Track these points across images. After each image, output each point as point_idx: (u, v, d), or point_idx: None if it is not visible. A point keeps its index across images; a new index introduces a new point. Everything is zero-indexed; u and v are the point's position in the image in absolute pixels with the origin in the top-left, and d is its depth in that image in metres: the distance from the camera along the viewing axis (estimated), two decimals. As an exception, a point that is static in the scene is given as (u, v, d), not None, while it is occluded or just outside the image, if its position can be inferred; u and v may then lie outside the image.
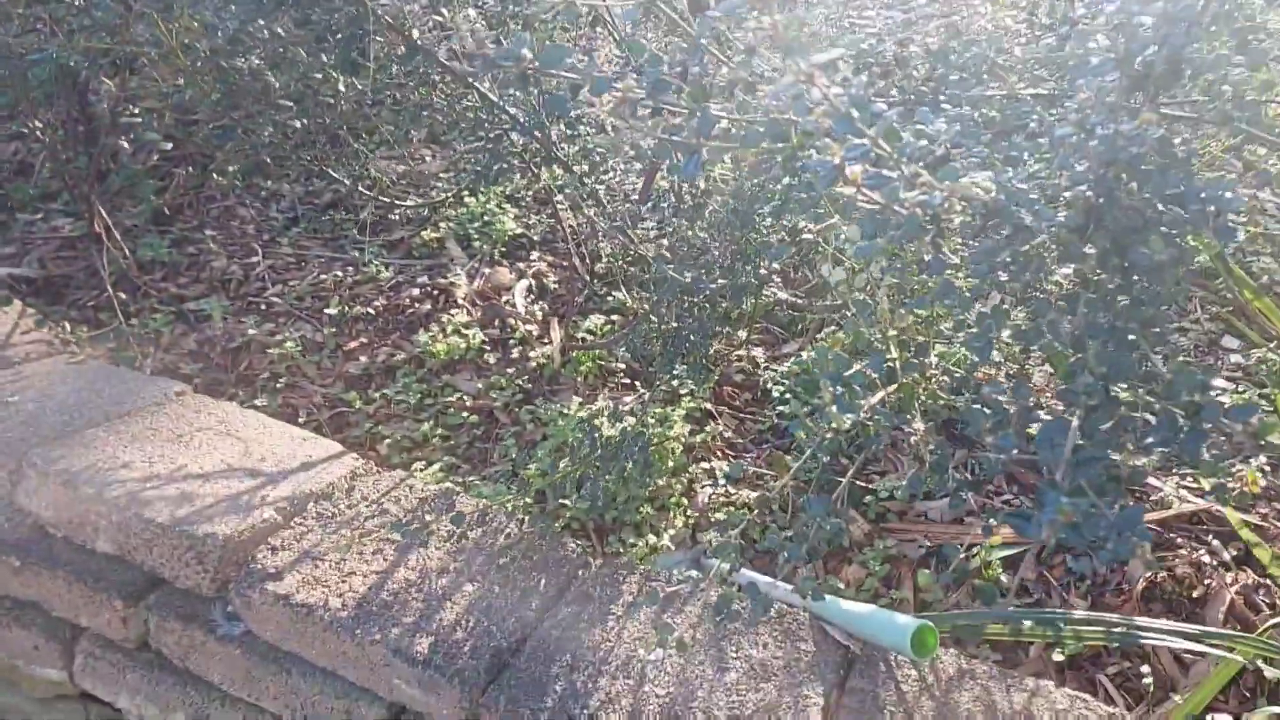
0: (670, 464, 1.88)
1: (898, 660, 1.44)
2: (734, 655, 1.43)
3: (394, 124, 2.30)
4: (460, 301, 2.48)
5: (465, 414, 2.11)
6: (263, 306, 2.51)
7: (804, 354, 2.21)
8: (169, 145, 2.69)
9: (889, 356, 1.25)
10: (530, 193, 2.91)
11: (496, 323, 2.40)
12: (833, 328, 2.24)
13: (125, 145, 2.68)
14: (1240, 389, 2.02)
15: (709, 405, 2.09)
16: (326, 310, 2.46)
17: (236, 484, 1.73)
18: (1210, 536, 1.76)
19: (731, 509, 1.82)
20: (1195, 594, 1.65)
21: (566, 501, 1.80)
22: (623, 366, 2.24)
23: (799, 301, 2.27)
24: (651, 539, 1.76)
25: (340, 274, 2.62)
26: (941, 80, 1.23)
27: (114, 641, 1.71)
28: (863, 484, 1.87)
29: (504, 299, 2.50)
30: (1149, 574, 1.63)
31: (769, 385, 2.15)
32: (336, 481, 1.78)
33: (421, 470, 1.92)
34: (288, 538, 1.64)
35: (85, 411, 1.93)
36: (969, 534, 1.77)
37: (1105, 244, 1.03)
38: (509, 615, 1.50)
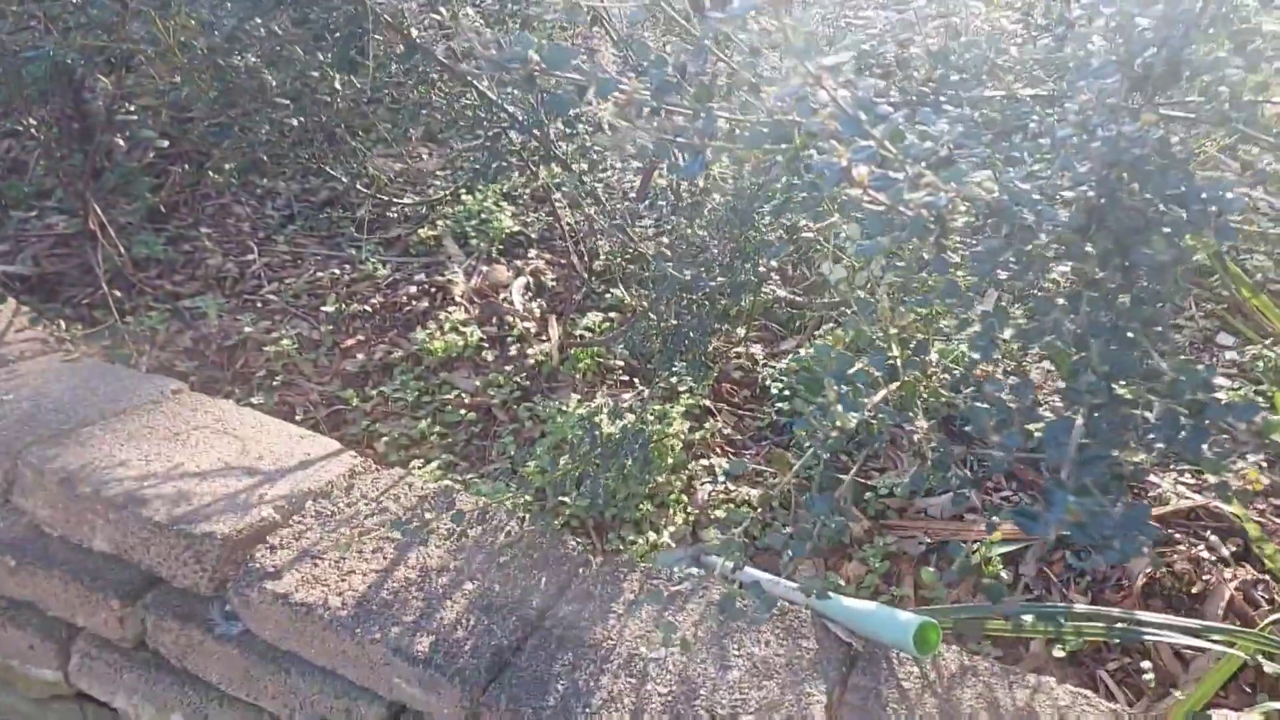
0: (670, 461, 1.88)
1: (900, 657, 1.44)
2: (736, 653, 1.43)
3: (392, 122, 2.30)
4: (458, 299, 2.48)
5: (463, 411, 2.11)
6: (259, 304, 2.50)
7: (802, 351, 2.21)
8: (165, 143, 2.68)
9: (890, 354, 1.26)
10: (528, 191, 2.90)
11: (494, 320, 2.40)
12: (831, 325, 2.24)
13: (120, 143, 2.67)
14: (1237, 386, 2.02)
15: (708, 402, 2.09)
16: (323, 308, 2.46)
17: (234, 482, 1.73)
18: (1209, 532, 1.77)
19: (731, 506, 1.82)
20: (1194, 590, 1.66)
21: (566, 499, 1.80)
22: (621, 364, 2.24)
23: (797, 299, 2.27)
24: (651, 536, 1.76)
25: (337, 271, 2.61)
26: (942, 81, 1.23)
27: (110, 641, 1.70)
28: (862, 480, 1.87)
29: (501, 296, 2.49)
30: (1149, 570, 1.64)
31: (768, 382, 2.16)
32: (335, 480, 1.78)
33: (420, 468, 1.92)
34: (286, 536, 1.64)
35: (81, 410, 1.92)
36: (969, 530, 1.77)
37: (1107, 244, 1.03)
38: (510, 613, 1.50)
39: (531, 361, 2.25)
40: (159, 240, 2.70)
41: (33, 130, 2.52)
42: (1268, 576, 1.68)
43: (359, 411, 2.14)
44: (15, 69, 2.14)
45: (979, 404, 1.08)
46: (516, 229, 2.75)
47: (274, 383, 2.22)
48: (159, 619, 1.63)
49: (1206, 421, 0.96)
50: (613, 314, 2.40)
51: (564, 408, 2.03)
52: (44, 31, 2.17)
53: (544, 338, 2.34)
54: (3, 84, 2.23)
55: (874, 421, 1.09)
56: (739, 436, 2.05)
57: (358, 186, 2.75)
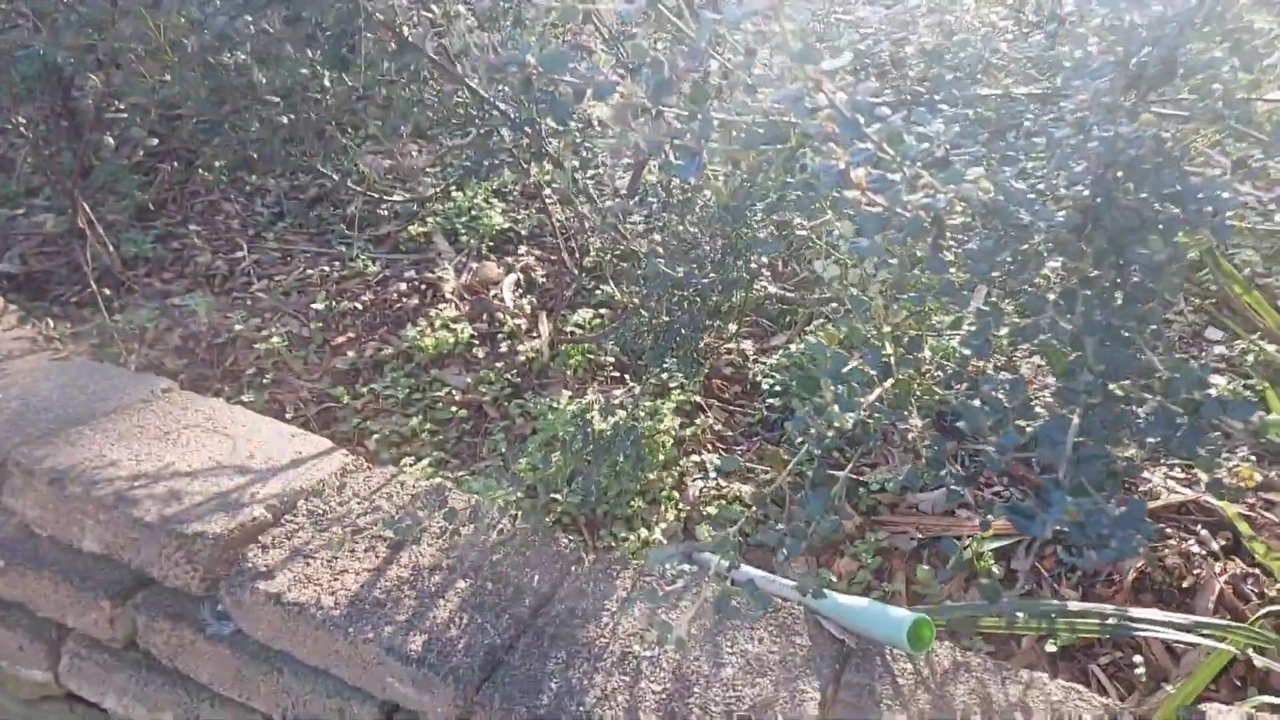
0: (661, 457, 1.88)
1: (894, 654, 1.44)
2: (730, 650, 1.43)
3: (382, 119, 2.28)
4: (448, 296, 2.47)
5: (454, 408, 2.11)
6: (248, 302, 2.49)
7: (792, 347, 2.21)
8: (154, 141, 2.66)
9: (884, 352, 1.26)
10: (518, 187, 2.89)
11: (485, 317, 2.39)
12: (822, 321, 2.24)
13: (110, 141, 2.65)
14: (1229, 382, 2.04)
15: (698, 398, 2.09)
16: (313, 305, 2.45)
17: (225, 481, 1.72)
18: (1199, 527, 1.78)
19: (723, 503, 1.82)
20: (1185, 584, 1.67)
21: (558, 496, 1.80)
22: (612, 360, 2.24)
23: (788, 295, 2.28)
24: (643, 533, 1.76)
25: (327, 269, 2.60)
26: (936, 80, 1.23)
27: (101, 642, 1.69)
28: (854, 476, 1.88)
29: (492, 293, 2.49)
30: (1141, 565, 1.65)
31: (758, 378, 2.16)
32: (327, 478, 1.77)
33: (411, 465, 1.91)
34: (278, 536, 1.63)
35: (70, 409, 1.91)
36: (960, 526, 1.78)
37: (1102, 243, 1.04)
38: (503, 612, 1.50)
39: (522, 358, 2.25)
40: (148, 238, 2.68)
41: (21, 128, 2.50)
42: (1257, 570, 1.70)
43: (350, 409, 2.13)
44: (4, 67, 2.12)
45: (974, 402, 1.09)
46: (507, 226, 2.74)
47: (264, 381, 2.21)
48: (150, 619, 1.63)
49: (1202, 420, 0.97)
50: (603, 310, 2.40)
51: (555, 404, 2.02)
52: (33, 30, 2.15)
53: (535, 334, 2.34)
54: (-10, 81, 2.21)
55: (870, 421, 1.09)
56: (730, 433, 2.05)
57: (348, 184, 2.74)
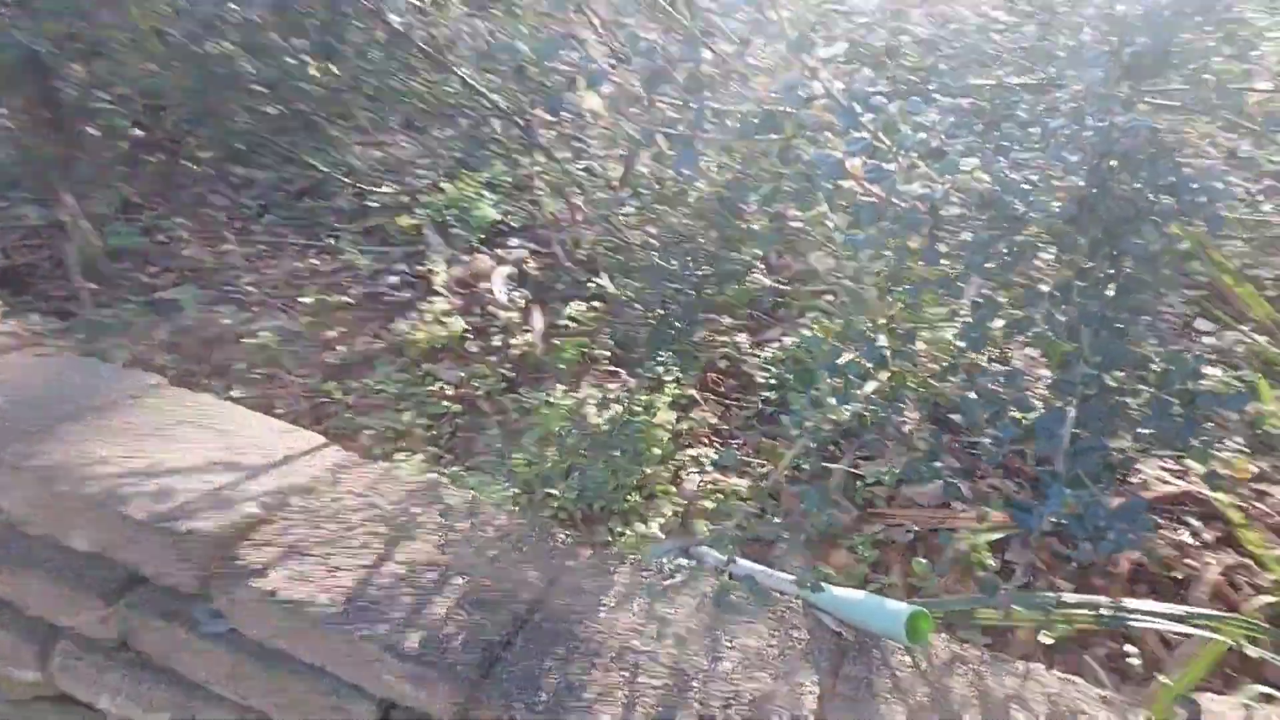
0: (657, 452, 1.87)
1: (891, 647, 1.44)
2: (728, 644, 1.43)
3: (371, 110, 2.26)
4: (440, 289, 2.45)
5: (447, 403, 2.09)
6: (237, 296, 2.47)
7: (788, 340, 2.21)
8: (139, 132, 2.63)
9: (880, 344, 1.25)
10: (510, 179, 2.88)
11: (477, 311, 2.38)
12: (816, 314, 2.24)
13: (93, 132, 2.62)
14: (1223, 374, 2.04)
15: (694, 392, 2.09)
16: (302, 299, 2.43)
17: (217, 478, 1.70)
18: (1191, 517, 1.78)
19: (720, 496, 1.82)
20: (1178, 575, 1.68)
21: (554, 491, 1.79)
22: (606, 354, 2.23)
23: (782, 287, 2.27)
24: (640, 528, 1.75)
25: (316, 262, 2.58)
26: (931, 70, 1.22)
27: (93, 641, 1.67)
28: (850, 469, 1.87)
29: (484, 286, 2.47)
30: (1136, 557, 1.65)
31: (754, 371, 2.15)
32: (320, 474, 1.75)
33: (405, 461, 1.90)
34: (272, 533, 1.62)
35: (58, 406, 1.88)
36: (956, 518, 1.78)
37: (1098, 233, 1.03)
38: (500, 608, 1.49)
39: (516, 352, 2.24)
40: (134, 231, 2.65)
41: (2, 119, 2.47)
42: (1250, 561, 1.70)
43: (341, 405, 2.11)
44: (-17, 57, 2.09)
45: (970, 395, 1.08)
46: (498, 218, 2.73)
47: (254, 376, 2.20)
48: (143, 618, 1.61)
49: (1197, 411, 0.97)
50: (597, 304, 2.39)
51: (550, 399, 2.01)
52: (13, 17, 2.12)
53: (528, 328, 2.33)
54: (-30, 72, 2.18)
55: (865, 414, 1.09)
56: (725, 426, 2.05)
57: (337, 175, 2.72)
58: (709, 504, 1.80)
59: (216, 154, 2.69)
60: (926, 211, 0.96)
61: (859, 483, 1.85)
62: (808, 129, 0.91)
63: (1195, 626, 1.42)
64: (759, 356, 2.19)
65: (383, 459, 1.91)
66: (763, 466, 1.91)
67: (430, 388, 2.14)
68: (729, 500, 1.80)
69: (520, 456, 1.87)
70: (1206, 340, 2.25)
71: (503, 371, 2.18)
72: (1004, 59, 1.32)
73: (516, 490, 1.80)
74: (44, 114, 2.55)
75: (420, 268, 2.54)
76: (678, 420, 1.98)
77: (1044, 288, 1.09)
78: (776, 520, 1.73)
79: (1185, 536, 1.74)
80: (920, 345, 1.86)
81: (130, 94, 2.48)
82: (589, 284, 2.44)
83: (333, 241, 2.65)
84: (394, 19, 1.60)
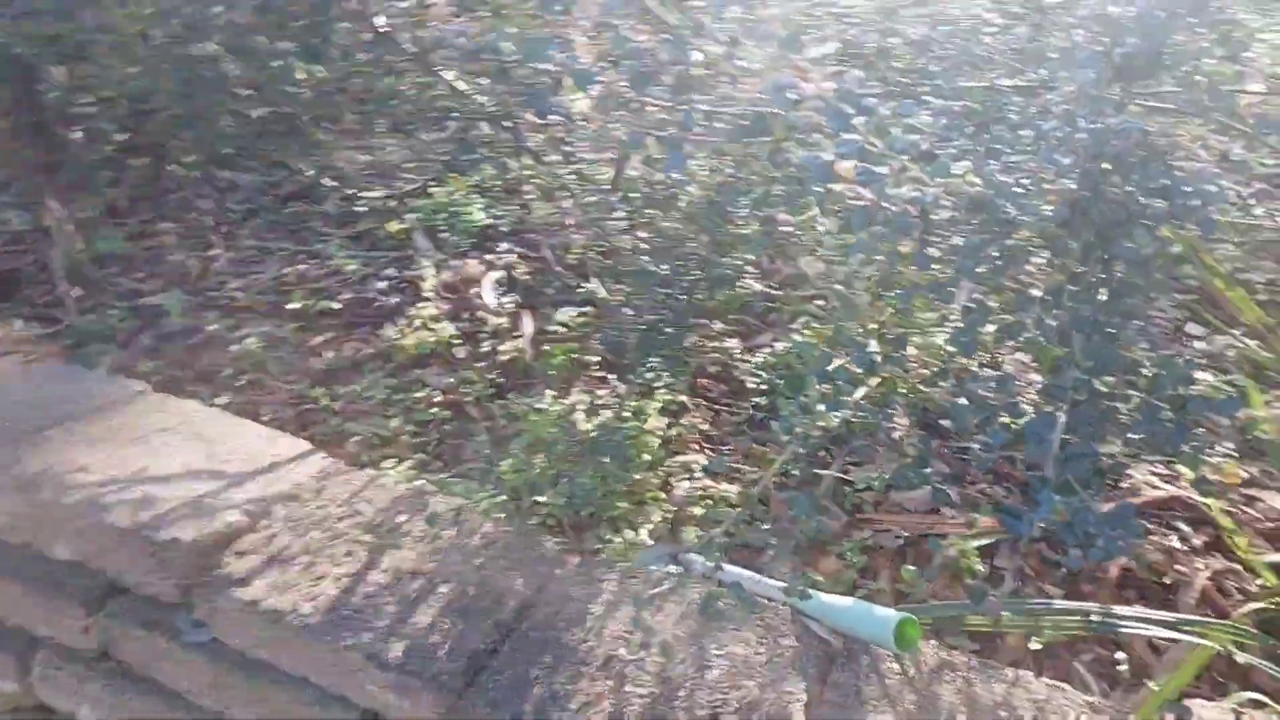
0: (647, 458, 1.86)
1: (880, 653, 1.43)
2: (716, 652, 1.41)
3: (358, 113, 2.25)
4: (428, 294, 2.44)
5: (435, 409, 2.08)
6: (223, 301, 2.45)
7: (779, 345, 2.20)
8: (123, 135, 2.61)
9: (870, 349, 1.24)
10: (499, 183, 2.86)
11: (466, 316, 2.36)
12: (807, 319, 2.23)
13: (77, 135, 2.59)
14: (1214, 379, 2.04)
15: (684, 397, 2.07)
16: (290, 305, 2.41)
17: (200, 486, 1.68)
18: (1180, 522, 1.78)
19: (710, 502, 1.80)
20: (1167, 580, 1.67)
21: (542, 498, 1.77)
22: (596, 359, 2.22)
23: (773, 292, 2.26)
24: (629, 535, 1.73)
25: (303, 267, 2.56)
26: (923, 72, 1.21)
27: (74, 651, 1.65)
28: (840, 475, 1.86)
29: (473, 292, 2.46)
30: (1125, 563, 1.65)
31: (744, 377, 2.14)
32: (305, 481, 1.74)
33: (392, 468, 1.88)
34: (255, 541, 1.60)
35: (40, 413, 1.86)
36: (945, 523, 1.77)
37: (1090, 237, 1.02)
38: (486, 617, 1.47)
39: (505, 358, 2.22)
40: (119, 236, 2.63)
41: (-16, 122, 2.45)
42: (1238, 566, 1.70)
43: (328, 411, 2.09)
44: (-36, 60, 2.06)
45: (960, 400, 1.07)
46: (488, 222, 2.71)
47: (240, 382, 2.17)
48: (124, 628, 1.59)
49: (1188, 416, 0.96)
50: (587, 308, 2.37)
51: (539, 405, 2.00)
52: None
53: (517, 333, 2.31)
54: (-49, 75, 2.16)
55: (855, 420, 1.08)
56: (716, 432, 2.03)
57: (324, 179, 2.70)
58: (698, 510, 1.79)
59: (202, 158, 2.67)
60: (917, 215, 0.95)
61: (848, 489, 1.84)
62: (798, 131, 0.90)
63: (1184, 632, 1.41)
64: (750, 362, 2.18)
65: (369, 466, 1.89)
66: (753, 473, 1.89)
67: (418, 394, 2.12)
68: (718, 506, 1.79)
69: (508, 463, 1.85)
70: (1198, 345, 2.25)
71: (491, 377, 2.16)
72: (995, 61, 1.31)
73: (504, 497, 1.78)
74: (27, 117, 2.52)
75: (409, 273, 2.53)
76: (668, 426, 1.97)
77: (1035, 292, 1.09)
78: (765, 527, 1.71)
79: (1174, 541, 1.74)
80: (911, 350, 1.85)
81: (114, 97, 2.45)
82: (579, 289, 2.43)
83: (321, 246, 2.63)
84: (380, 21, 1.59)
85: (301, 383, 2.18)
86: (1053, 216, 0.96)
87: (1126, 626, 1.44)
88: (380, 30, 1.61)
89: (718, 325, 2.29)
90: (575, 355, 2.21)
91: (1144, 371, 1.01)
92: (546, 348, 2.22)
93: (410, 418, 2.06)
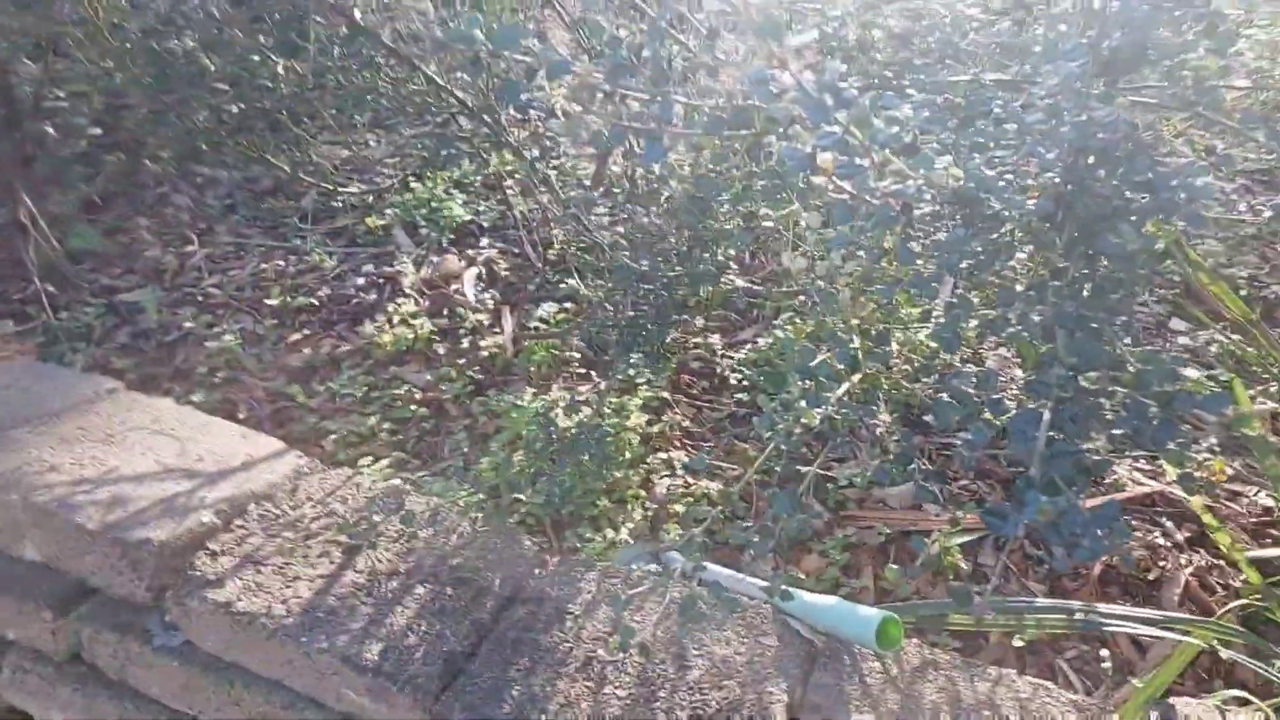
0: (627, 455, 1.84)
1: (862, 653, 1.42)
2: (696, 652, 1.39)
3: (336, 108, 2.22)
4: (408, 290, 2.41)
5: (414, 407, 2.05)
6: (200, 298, 2.41)
7: (761, 340, 2.18)
8: (98, 130, 2.57)
9: (852, 346, 1.23)
10: (479, 178, 2.83)
11: (446, 312, 2.34)
12: (790, 314, 2.21)
13: (51, 130, 2.55)
14: (1199, 374, 2.04)
15: (665, 394, 2.05)
16: (267, 301, 2.37)
17: (172, 486, 1.65)
18: (1163, 518, 1.77)
19: (691, 500, 1.79)
20: (1150, 576, 1.67)
21: (521, 497, 1.75)
22: (577, 356, 2.20)
23: (756, 288, 2.24)
24: (609, 533, 1.72)
25: (281, 263, 2.52)
26: (905, 65, 1.20)
27: (44, 654, 1.62)
28: (822, 471, 1.85)
29: (453, 287, 2.43)
30: (1109, 559, 1.64)
31: (727, 373, 2.12)
32: (279, 481, 1.71)
33: (369, 467, 1.85)
34: (228, 542, 1.57)
35: (9, 412, 1.82)
36: (928, 520, 1.76)
37: (1074, 231, 1.01)
38: (463, 618, 1.45)
39: (485, 354, 2.20)
40: (95, 232, 2.59)
41: (-46, 117, 2.40)
42: (1222, 562, 1.69)
43: (306, 408, 2.07)
44: (-69, 52, 2.02)
45: (943, 397, 1.06)
46: (468, 218, 2.68)
47: (216, 379, 2.14)
48: (95, 631, 1.56)
49: (1174, 413, 0.95)
50: (568, 305, 2.35)
51: (519, 402, 1.97)
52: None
53: (497, 330, 2.29)
54: (-81, 67, 2.11)
55: (838, 416, 1.06)
56: (697, 429, 2.02)
57: (302, 175, 2.66)
58: (679, 508, 1.77)
59: (179, 153, 2.63)
60: (900, 209, 0.93)
61: (831, 485, 1.83)
62: (779, 124, 0.88)
63: (1168, 629, 1.40)
64: (732, 358, 2.17)
65: (347, 464, 1.87)
66: (734, 470, 1.88)
67: (397, 391, 2.10)
68: (699, 504, 1.77)
69: (487, 461, 1.83)
70: (1181, 340, 2.25)
71: (471, 374, 2.14)
72: (978, 55, 1.30)
73: (483, 496, 1.76)
74: (-1, 111, 2.48)
75: (388, 269, 2.50)
76: (649, 423, 1.95)
77: (1019, 288, 1.07)
78: (747, 524, 1.70)
79: (1157, 537, 1.73)
80: (894, 346, 1.84)
81: (88, 92, 2.41)
82: (561, 285, 2.41)
83: (299, 242, 2.60)
84: (356, 13, 1.56)
85: (279, 380, 2.15)
86: (1036, 211, 0.95)
87: (1112, 625, 1.43)
88: (356, 22, 1.58)
89: (699, 321, 2.28)
90: (556, 351, 2.18)
91: (1129, 368, 0.99)
92: (527, 344, 2.20)
93: (388, 415, 2.03)
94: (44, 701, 1.65)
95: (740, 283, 2.34)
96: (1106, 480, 1.84)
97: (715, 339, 2.25)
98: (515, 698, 1.32)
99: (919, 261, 1.13)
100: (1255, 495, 1.81)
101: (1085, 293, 1.04)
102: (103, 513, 1.56)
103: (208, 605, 1.45)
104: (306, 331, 2.30)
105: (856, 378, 1.18)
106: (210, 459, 1.73)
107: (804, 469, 1.63)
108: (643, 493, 1.82)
